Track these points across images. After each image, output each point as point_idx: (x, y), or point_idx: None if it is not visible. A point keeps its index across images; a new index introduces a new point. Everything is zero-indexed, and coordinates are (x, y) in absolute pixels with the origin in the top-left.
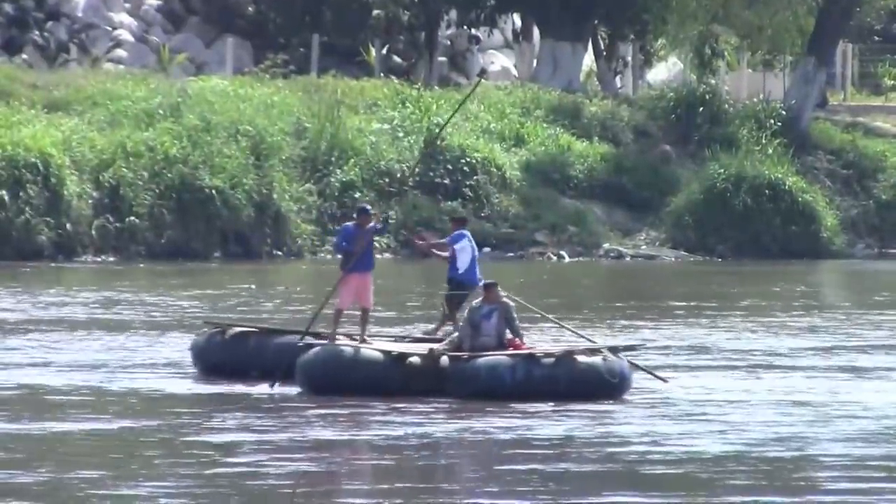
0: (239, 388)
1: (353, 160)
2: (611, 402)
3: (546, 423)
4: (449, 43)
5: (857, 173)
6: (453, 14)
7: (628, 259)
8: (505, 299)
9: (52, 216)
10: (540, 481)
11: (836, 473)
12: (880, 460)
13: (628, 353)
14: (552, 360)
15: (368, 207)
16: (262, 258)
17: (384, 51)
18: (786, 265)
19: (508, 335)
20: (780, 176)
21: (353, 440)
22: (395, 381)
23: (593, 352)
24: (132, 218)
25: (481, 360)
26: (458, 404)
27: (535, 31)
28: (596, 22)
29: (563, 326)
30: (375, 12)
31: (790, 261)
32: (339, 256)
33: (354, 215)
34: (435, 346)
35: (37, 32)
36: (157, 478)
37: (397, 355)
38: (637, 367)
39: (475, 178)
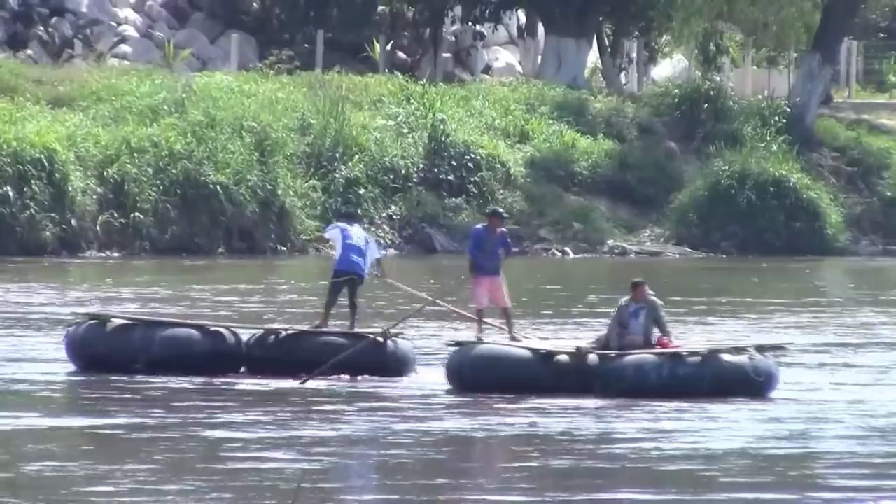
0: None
1: (357, 156)
2: (757, 399)
3: (550, 419)
4: (453, 39)
5: (862, 170)
6: (458, 10)
7: (632, 255)
8: (653, 297)
9: (56, 212)
10: (544, 478)
11: (839, 470)
12: (884, 457)
13: (774, 351)
14: (698, 358)
15: (500, 210)
16: (267, 254)
17: (388, 47)
18: (790, 262)
19: (657, 333)
20: (784, 172)
21: (352, 436)
22: (543, 380)
23: (739, 350)
24: (137, 213)
25: (628, 359)
26: (462, 401)
27: (540, 28)
28: (600, 18)
29: (457, 312)
30: (380, 8)
31: (794, 257)
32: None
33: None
34: (582, 344)
35: (41, 28)
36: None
37: (545, 354)
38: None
39: (480, 174)
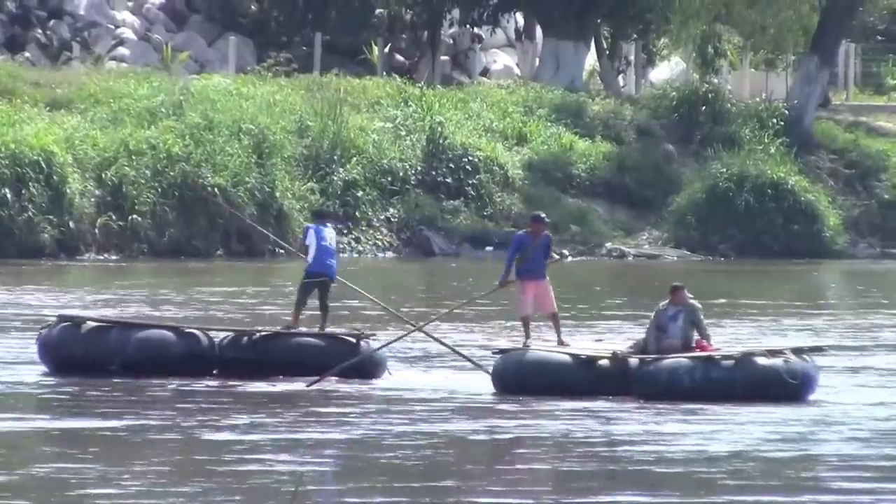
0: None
1: (355, 159)
2: (792, 403)
3: (548, 422)
4: (451, 42)
5: (860, 173)
6: (456, 13)
7: (630, 258)
8: (692, 301)
9: (54, 214)
10: (543, 480)
11: (839, 473)
12: (882, 460)
13: (814, 353)
14: (731, 362)
15: (542, 215)
16: (265, 256)
17: (387, 49)
18: (788, 265)
19: (696, 337)
20: (782, 175)
21: (350, 439)
22: (584, 383)
23: (774, 353)
24: (135, 216)
25: (663, 363)
26: (459, 404)
27: (538, 30)
28: (598, 21)
29: (385, 308)
30: (378, 11)
31: (792, 260)
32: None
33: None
34: (619, 349)
35: (39, 30)
36: (159, 479)
37: (586, 359)
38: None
39: (478, 176)
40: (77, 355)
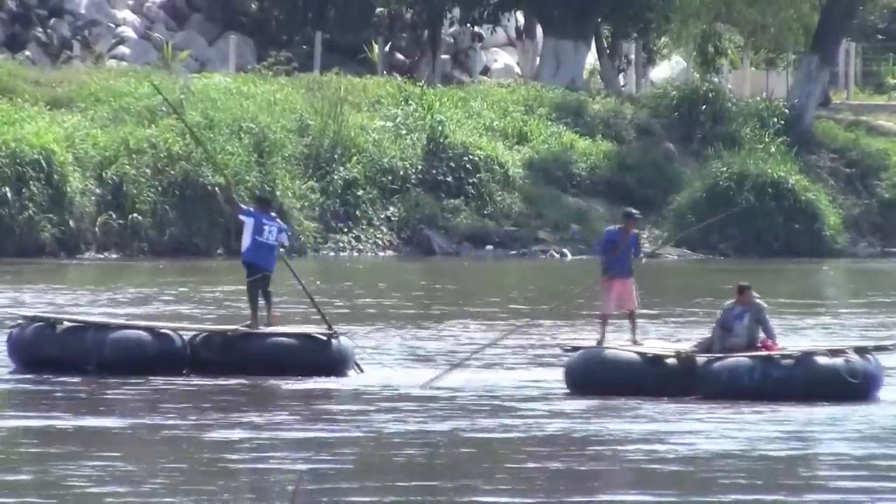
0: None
1: (355, 157)
2: (856, 402)
3: (546, 421)
4: (452, 41)
5: (860, 172)
6: (456, 12)
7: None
8: (758, 301)
9: (55, 213)
10: (541, 479)
11: (837, 472)
12: (882, 459)
13: (878, 351)
14: (791, 361)
15: (635, 212)
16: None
17: (387, 48)
18: (788, 264)
19: (762, 336)
20: (782, 174)
21: (350, 438)
22: (651, 382)
23: (835, 353)
24: (135, 215)
25: (725, 361)
26: (462, 401)
27: (539, 29)
28: (599, 20)
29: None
30: (378, 9)
31: (792, 259)
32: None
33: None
34: (682, 348)
35: (40, 29)
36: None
37: (653, 357)
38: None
39: (478, 175)
40: (53, 355)
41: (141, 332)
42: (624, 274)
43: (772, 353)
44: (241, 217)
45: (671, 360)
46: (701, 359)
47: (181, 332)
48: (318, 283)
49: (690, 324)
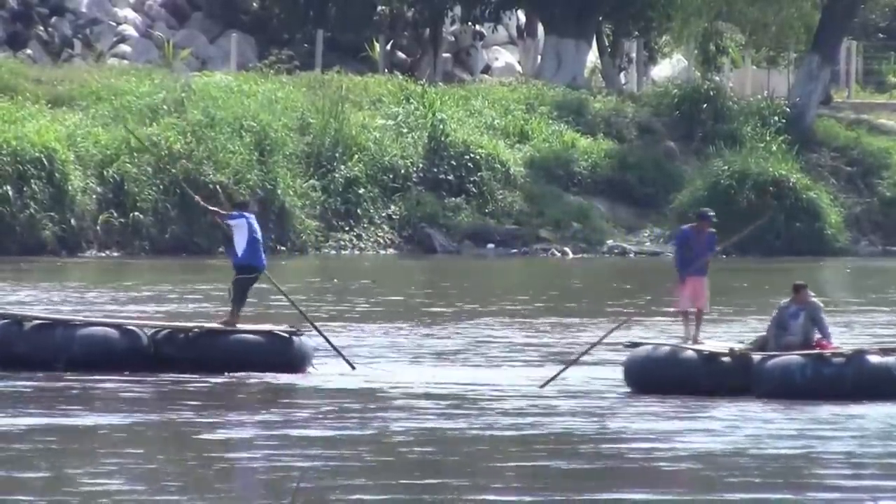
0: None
1: (356, 156)
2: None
3: (548, 419)
4: (453, 39)
5: (861, 170)
6: (457, 10)
7: (632, 255)
8: (813, 300)
9: (56, 211)
10: (544, 478)
11: (838, 470)
12: (883, 458)
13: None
14: (842, 359)
15: (709, 212)
16: (266, 254)
17: (388, 47)
18: (790, 262)
19: (818, 335)
20: (783, 173)
21: (352, 436)
22: (705, 380)
23: (887, 351)
24: (136, 213)
25: (777, 360)
26: (461, 401)
27: (540, 28)
28: (600, 18)
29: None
30: (380, 8)
31: (794, 258)
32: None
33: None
34: (735, 346)
35: (41, 28)
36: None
37: (709, 355)
38: (332, 347)
39: (479, 174)
40: (22, 353)
41: (108, 329)
42: (697, 272)
43: (823, 351)
44: (231, 222)
45: (727, 359)
46: (755, 357)
47: (146, 329)
48: (336, 280)
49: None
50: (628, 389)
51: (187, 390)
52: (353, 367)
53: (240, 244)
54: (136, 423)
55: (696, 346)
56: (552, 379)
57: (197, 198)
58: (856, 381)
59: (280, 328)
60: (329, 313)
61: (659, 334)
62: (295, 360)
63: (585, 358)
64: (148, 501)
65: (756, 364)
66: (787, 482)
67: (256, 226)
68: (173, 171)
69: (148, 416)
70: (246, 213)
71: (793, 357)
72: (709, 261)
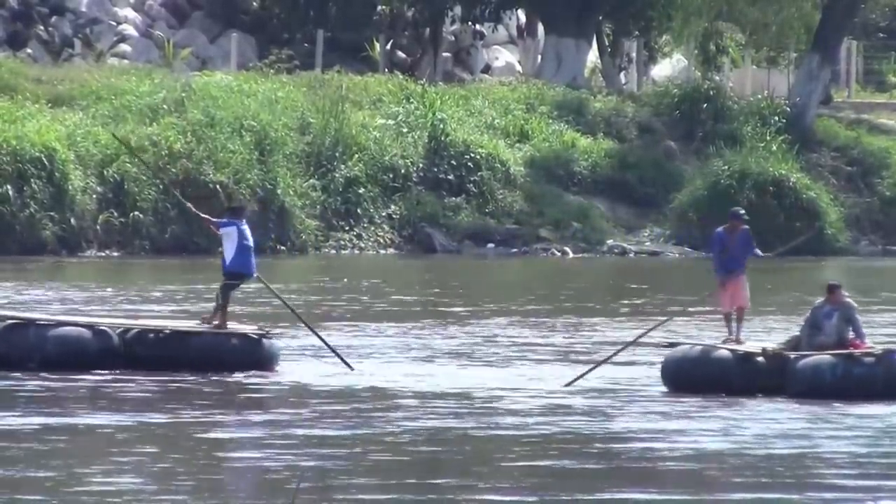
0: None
1: (357, 155)
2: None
3: (548, 419)
4: (453, 39)
5: (862, 170)
6: (457, 10)
7: (632, 255)
8: (847, 300)
9: (56, 211)
10: (544, 477)
11: (839, 470)
12: (884, 457)
13: None
14: (872, 358)
15: (739, 211)
16: (266, 253)
17: (388, 46)
18: (790, 262)
19: (851, 335)
20: (784, 172)
21: (355, 436)
22: (739, 380)
23: None
24: (136, 213)
25: (808, 359)
26: (461, 400)
27: (540, 27)
28: (600, 18)
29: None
30: (380, 8)
31: (794, 257)
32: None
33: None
34: (768, 346)
35: (41, 27)
36: (157, 476)
37: (743, 355)
38: (329, 347)
39: (479, 173)
40: None
41: (81, 329)
42: (735, 272)
43: (853, 351)
44: (222, 230)
45: (761, 359)
46: (789, 357)
47: (117, 329)
48: (346, 280)
49: (709, 322)
50: (665, 388)
51: (190, 390)
52: (352, 368)
53: (229, 251)
54: (142, 422)
55: (731, 346)
56: (579, 378)
57: (188, 204)
58: (886, 381)
59: (250, 329)
60: (350, 312)
61: (699, 334)
62: (263, 361)
63: (596, 357)
64: (149, 500)
65: (791, 363)
66: (789, 482)
67: (248, 233)
68: (173, 170)
69: (152, 416)
70: (237, 221)
71: (824, 357)
72: (748, 259)
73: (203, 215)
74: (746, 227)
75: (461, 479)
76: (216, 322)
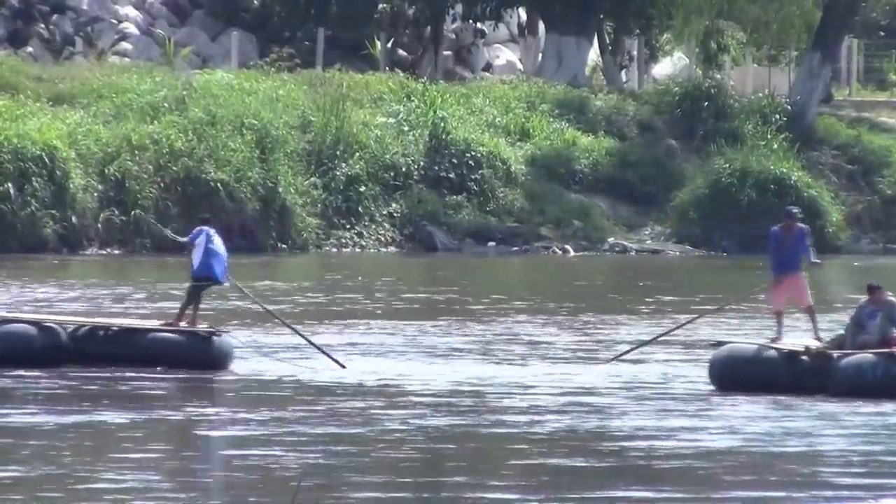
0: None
1: (358, 154)
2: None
3: (550, 417)
4: (454, 37)
5: (862, 168)
6: (458, 8)
7: (633, 253)
8: (890, 299)
9: (57, 209)
10: (541, 476)
11: (840, 469)
12: (886, 456)
13: None
14: None
15: (793, 210)
16: (267, 251)
17: (389, 44)
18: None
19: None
20: (785, 171)
21: (356, 434)
22: (786, 378)
23: None
24: (137, 211)
25: (850, 358)
26: (462, 399)
27: (541, 26)
28: (601, 16)
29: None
30: (381, 6)
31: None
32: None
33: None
34: (815, 339)
35: (42, 25)
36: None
37: (789, 353)
38: (315, 347)
39: (480, 172)
40: None
41: (27, 326)
42: (791, 270)
43: (893, 350)
44: (195, 241)
45: (806, 357)
46: (833, 355)
47: (65, 326)
48: (360, 278)
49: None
50: (713, 387)
51: (193, 388)
52: (343, 367)
53: (197, 256)
54: (139, 419)
55: (777, 345)
56: (624, 353)
57: (167, 231)
58: None
59: (200, 328)
60: (376, 310)
61: (745, 332)
62: (214, 359)
63: (608, 356)
64: (149, 499)
65: (834, 361)
66: (790, 481)
67: (216, 238)
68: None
69: (145, 415)
70: (206, 227)
71: (865, 356)
72: (804, 257)
73: (180, 239)
74: (803, 226)
75: (461, 477)
76: (184, 322)
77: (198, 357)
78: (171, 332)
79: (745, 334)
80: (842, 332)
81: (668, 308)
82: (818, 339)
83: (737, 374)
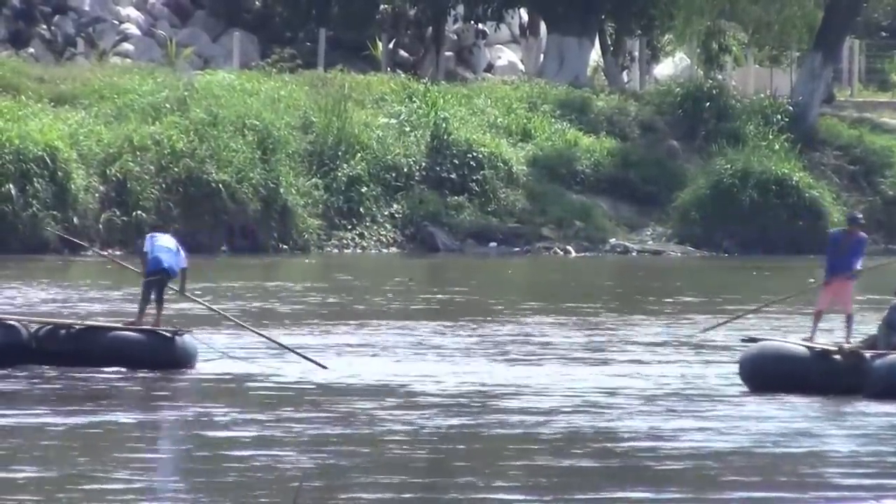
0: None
1: (359, 154)
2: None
3: (551, 418)
4: (455, 37)
5: (864, 169)
6: (460, 9)
7: (634, 254)
8: None
9: (58, 210)
10: (545, 477)
11: (841, 469)
12: (887, 456)
13: None
14: None
15: (858, 216)
16: (269, 252)
17: (391, 45)
18: (792, 261)
19: None
20: (786, 171)
21: (356, 435)
22: (818, 378)
23: None
24: (139, 212)
25: (883, 359)
26: (462, 399)
27: (542, 26)
28: (603, 17)
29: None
30: (382, 6)
31: (796, 256)
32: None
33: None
34: (845, 343)
35: (44, 26)
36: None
37: (821, 353)
38: (294, 352)
39: (482, 172)
40: None
41: None
42: (843, 274)
43: None
44: (143, 251)
45: (838, 357)
46: (866, 356)
47: (26, 324)
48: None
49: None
50: (746, 388)
51: (195, 388)
52: (325, 367)
53: (149, 255)
54: (139, 420)
55: (809, 344)
56: (715, 326)
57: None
58: None
59: (162, 328)
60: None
61: (782, 331)
62: (176, 358)
63: (618, 356)
64: (150, 499)
65: (866, 362)
66: (790, 481)
67: (161, 237)
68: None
69: (146, 415)
70: (154, 234)
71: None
72: (857, 265)
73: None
74: (863, 234)
75: (464, 478)
76: (149, 321)
77: (160, 357)
78: (133, 331)
79: (783, 333)
80: (874, 332)
81: (689, 309)
82: (848, 342)
83: (767, 372)
